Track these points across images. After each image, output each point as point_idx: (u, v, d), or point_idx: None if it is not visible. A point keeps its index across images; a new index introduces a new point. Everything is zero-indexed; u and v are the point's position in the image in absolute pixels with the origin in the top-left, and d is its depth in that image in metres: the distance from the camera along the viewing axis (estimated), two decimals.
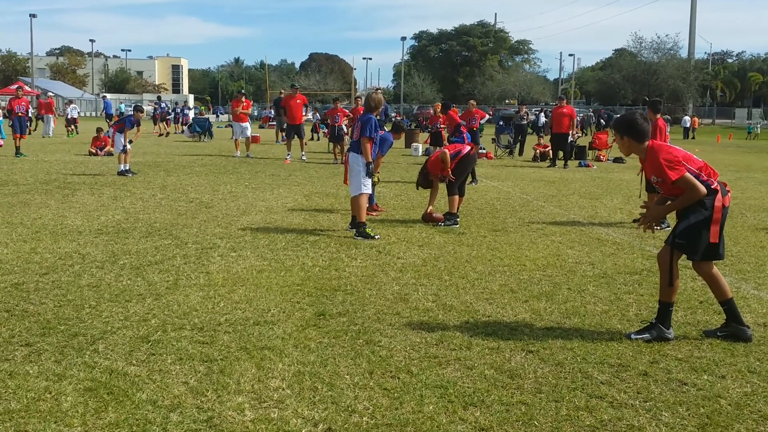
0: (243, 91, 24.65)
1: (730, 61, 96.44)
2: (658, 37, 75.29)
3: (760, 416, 3.77)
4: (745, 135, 50.61)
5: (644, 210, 5.29)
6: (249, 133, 22.14)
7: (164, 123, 38.80)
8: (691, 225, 4.89)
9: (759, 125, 52.66)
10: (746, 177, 18.54)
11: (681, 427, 3.64)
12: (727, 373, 4.38)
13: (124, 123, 15.78)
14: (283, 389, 4.04)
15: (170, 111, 43.05)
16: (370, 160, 8.69)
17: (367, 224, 8.78)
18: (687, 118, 53.31)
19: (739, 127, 65.79)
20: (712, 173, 5.00)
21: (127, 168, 15.39)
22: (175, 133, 38.21)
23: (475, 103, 21.38)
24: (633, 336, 5.02)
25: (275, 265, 7.08)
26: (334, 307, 5.67)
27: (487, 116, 23.61)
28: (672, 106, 67.14)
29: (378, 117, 8.97)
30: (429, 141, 22.78)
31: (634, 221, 10.34)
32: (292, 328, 5.11)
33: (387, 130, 11.44)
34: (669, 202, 5.12)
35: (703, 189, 4.82)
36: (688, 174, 4.83)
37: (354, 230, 8.73)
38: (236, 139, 21.90)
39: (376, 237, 8.53)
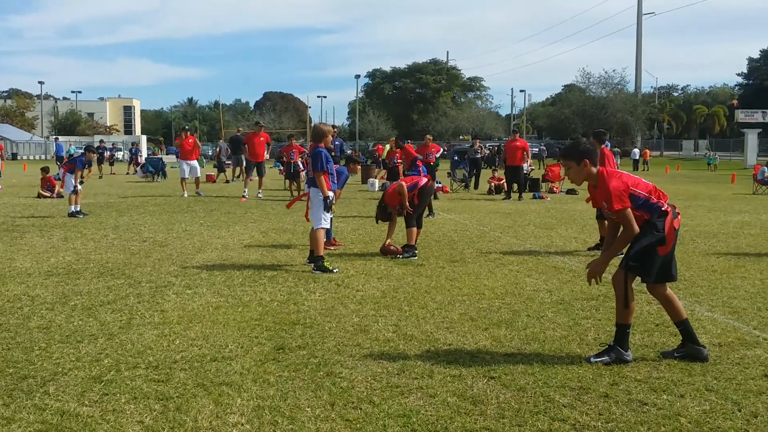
0: (187, 127, 24.47)
1: (675, 94, 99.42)
2: (606, 73, 77.19)
3: None
4: (696, 166, 51.84)
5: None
6: (198, 172, 21.91)
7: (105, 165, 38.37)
8: (644, 247, 4.96)
9: (717, 157, 53.70)
10: (695, 205, 18.95)
11: None
12: (685, 392, 4.42)
13: (75, 163, 15.54)
14: (243, 424, 3.95)
15: (107, 150, 42.51)
16: (327, 194, 8.65)
17: (325, 258, 8.73)
18: (636, 150, 54.59)
19: (687, 158, 67.54)
20: (662, 195, 5.09)
21: (78, 209, 15.10)
22: (127, 173, 37.75)
23: (431, 137, 21.59)
24: (593, 359, 5.04)
25: (232, 301, 6.97)
26: (294, 340, 5.60)
27: (442, 150, 23.83)
28: (621, 139, 68.65)
29: (328, 147, 8.95)
30: (386, 176, 22.88)
31: (589, 249, 10.48)
32: (250, 363, 5.01)
33: (342, 164, 11.48)
34: (608, 249, 5.17)
35: (636, 228, 4.91)
36: (629, 210, 4.91)
37: (312, 264, 8.66)
38: (183, 179, 21.60)
39: (335, 270, 8.48)
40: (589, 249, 10.45)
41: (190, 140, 21.90)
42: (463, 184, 25.64)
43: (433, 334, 5.78)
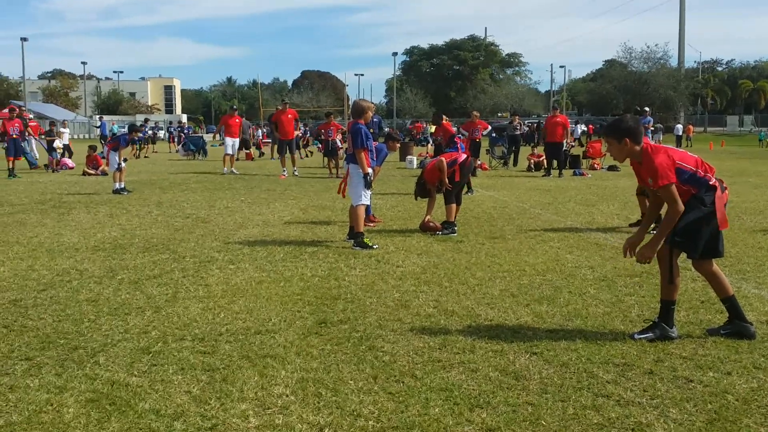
0: (235, 107, 24.70)
1: (719, 69, 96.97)
2: (648, 48, 75.60)
3: (767, 410, 3.75)
4: (742, 142, 50.61)
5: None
6: (231, 150, 21.97)
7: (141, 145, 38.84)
8: (690, 223, 4.88)
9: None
10: (741, 182, 18.57)
11: (689, 423, 3.61)
12: (732, 370, 4.36)
13: (119, 141, 15.78)
14: (287, 395, 4.01)
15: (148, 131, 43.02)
16: (368, 171, 8.67)
17: (365, 234, 8.76)
18: (679, 126, 53.52)
19: (731, 134, 66.16)
20: (708, 169, 5.00)
21: (122, 186, 15.36)
22: (170, 152, 38.21)
23: (478, 114, 21.48)
24: (637, 336, 4.99)
25: (274, 276, 7.05)
26: (335, 315, 5.64)
27: (490, 127, 23.65)
28: (664, 115, 67.45)
29: (367, 124, 8.94)
30: (432, 153, 22.84)
31: (630, 225, 10.35)
32: (293, 337, 5.07)
33: (381, 141, 11.49)
34: (655, 235, 5.04)
35: (681, 205, 4.81)
36: (674, 187, 4.80)
37: (352, 241, 8.70)
38: (227, 154, 21.83)
39: (374, 246, 8.50)
40: (630, 225, 10.33)
41: (236, 119, 22.19)
42: (502, 161, 25.45)
43: (474, 310, 5.78)
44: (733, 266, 7.49)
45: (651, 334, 4.97)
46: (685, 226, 4.89)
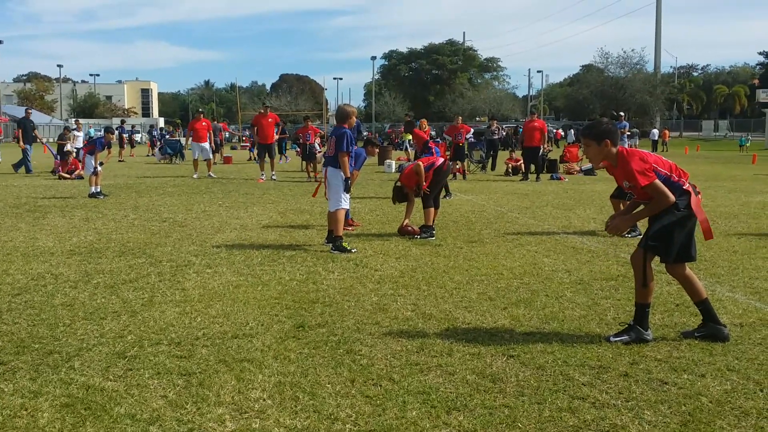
0: (201, 110, 24.53)
1: (695, 74, 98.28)
2: (624, 53, 76.33)
3: (741, 412, 3.79)
4: (717, 147, 51.18)
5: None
6: (209, 154, 21.99)
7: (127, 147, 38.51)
8: (664, 227, 4.93)
9: (750, 138, 52.22)
10: (715, 186, 18.79)
11: (664, 425, 3.65)
12: (706, 372, 4.41)
13: (95, 145, 15.66)
14: (264, 399, 4.00)
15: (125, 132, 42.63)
16: (349, 175, 8.67)
17: (344, 238, 8.76)
18: (655, 131, 54.10)
19: (707, 139, 66.92)
20: (682, 174, 5.06)
21: (98, 190, 15.22)
22: (147, 155, 37.94)
23: (461, 118, 21.59)
24: (612, 338, 5.03)
25: (252, 280, 7.02)
26: (313, 318, 5.63)
27: (473, 130, 23.80)
28: (640, 120, 68.13)
29: (350, 128, 8.94)
30: (409, 159, 22.95)
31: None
32: (271, 340, 5.06)
33: (360, 146, 11.48)
34: (637, 211, 5.15)
35: (671, 197, 4.86)
36: (658, 181, 4.87)
37: (330, 245, 8.69)
38: (195, 159, 21.78)
39: (353, 250, 8.50)
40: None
41: (203, 123, 22.07)
42: (480, 165, 25.56)
43: (452, 313, 5.80)
44: (707, 270, 7.57)
45: (626, 337, 5.01)
46: (658, 230, 4.94)
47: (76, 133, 27.00)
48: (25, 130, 23.92)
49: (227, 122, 41.84)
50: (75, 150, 25.56)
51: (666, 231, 4.93)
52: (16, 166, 23.67)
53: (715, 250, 8.73)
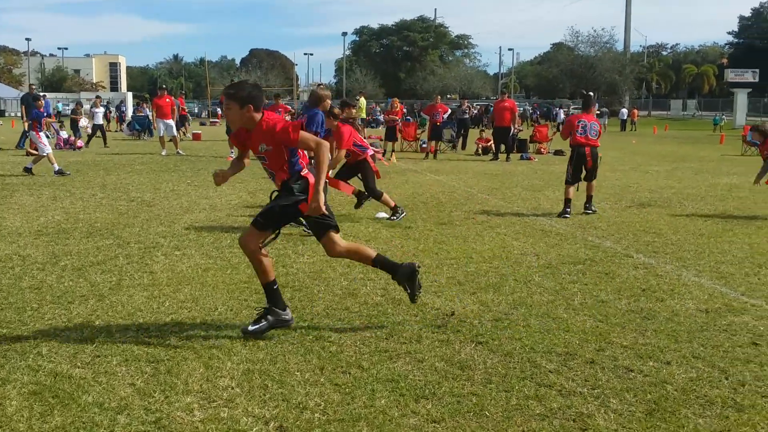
0: (164, 86, 24.18)
1: (664, 53, 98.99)
2: (595, 31, 76.58)
3: (705, 401, 3.86)
4: (685, 126, 51.61)
5: None
6: (174, 131, 21.74)
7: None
8: (282, 207, 4.82)
9: (724, 117, 52.40)
10: (684, 167, 19.02)
11: (629, 414, 3.70)
12: (672, 359, 4.48)
13: (38, 120, 15.43)
14: (233, 388, 3.99)
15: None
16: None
17: None
18: (624, 110, 54.47)
19: (675, 119, 67.58)
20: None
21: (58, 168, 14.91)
22: (115, 131, 37.41)
23: (439, 97, 21.56)
24: (250, 329, 4.80)
25: (221, 263, 6.98)
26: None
27: (450, 110, 23.79)
28: (609, 99, 68.57)
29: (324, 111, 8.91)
30: (383, 136, 22.91)
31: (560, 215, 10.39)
32: (240, 326, 5.04)
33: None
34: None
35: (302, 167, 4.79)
36: (307, 135, 4.70)
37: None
38: (161, 137, 21.53)
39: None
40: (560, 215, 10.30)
41: (166, 99, 21.78)
42: (450, 144, 25.58)
43: (421, 298, 5.80)
44: (673, 254, 7.68)
45: (264, 323, 4.81)
46: (269, 209, 4.83)
47: (95, 109, 26.58)
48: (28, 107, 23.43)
49: (183, 96, 41.17)
50: (90, 126, 25.27)
51: (276, 210, 4.81)
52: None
53: (682, 233, 8.85)
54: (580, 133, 10.37)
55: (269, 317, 4.86)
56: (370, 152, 9.79)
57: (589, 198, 10.52)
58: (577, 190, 10.34)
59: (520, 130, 25.66)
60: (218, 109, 41.84)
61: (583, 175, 10.46)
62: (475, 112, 42.66)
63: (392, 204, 9.66)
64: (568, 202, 10.25)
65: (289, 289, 6.02)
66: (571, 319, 5.29)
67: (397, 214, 9.60)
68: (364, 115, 30.88)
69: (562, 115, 47.85)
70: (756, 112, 58.73)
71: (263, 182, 13.99)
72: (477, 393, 3.93)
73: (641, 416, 3.67)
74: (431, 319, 5.25)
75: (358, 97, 30.45)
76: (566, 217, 10.00)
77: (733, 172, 17.79)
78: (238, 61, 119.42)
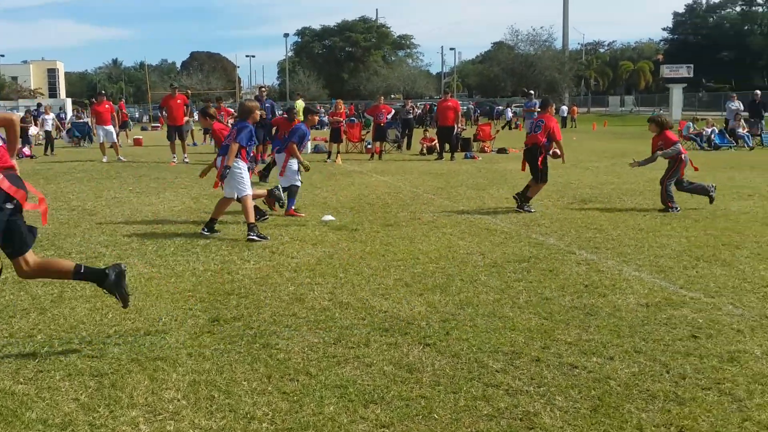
0: (103, 92, 23.74)
1: (601, 50, 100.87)
2: (534, 30, 77.68)
3: (648, 395, 3.95)
4: (623, 122, 52.67)
5: None
6: (114, 137, 21.36)
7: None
8: None
9: (662, 112, 53.51)
10: (622, 162, 19.35)
11: (574, 410, 3.77)
12: (615, 354, 4.57)
13: None
14: (179, 400, 3.93)
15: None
16: (230, 164, 8.49)
17: (257, 225, 8.69)
18: (564, 107, 55.31)
19: (613, 114, 68.93)
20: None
21: None
22: (55, 138, 36.47)
23: (383, 98, 21.59)
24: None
25: (165, 272, 6.87)
26: (229, 311, 5.56)
27: (393, 111, 23.88)
28: (549, 97, 69.63)
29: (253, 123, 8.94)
30: (327, 138, 22.84)
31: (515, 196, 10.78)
32: (185, 336, 4.97)
33: (301, 120, 11.61)
34: None
35: None
36: None
37: (207, 231, 8.73)
38: (101, 144, 21.12)
39: (266, 238, 8.44)
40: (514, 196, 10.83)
41: (105, 105, 21.37)
42: (395, 144, 25.64)
43: (369, 301, 5.83)
44: (614, 249, 7.83)
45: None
46: None
47: (45, 116, 26.22)
48: None
49: (123, 101, 40.49)
50: (43, 134, 24.76)
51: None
52: None
53: (622, 229, 9.03)
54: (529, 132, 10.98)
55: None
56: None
57: (527, 197, 10.78)
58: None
59: (463, 129, 25.87)
60: (159, 114, 41.17)
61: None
62: (419, 111, 42.93)
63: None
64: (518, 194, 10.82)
65: (235, 297, 5.96)
66: (517, 317, 5.36)
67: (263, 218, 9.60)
68: (302, 118, 30.80)
69: (510, 114, 48.54)
70: (691, 106, 60.21)
71: (207, 187, 13.82)
72: (425, 396, 3.95)
73: (586, 412, 3.74)
74: (379, 323, 5.26)
75: (296, 99, 30.43)
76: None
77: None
78: (178, 65, 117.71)
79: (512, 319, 5.31)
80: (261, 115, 18.89)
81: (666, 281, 6.44)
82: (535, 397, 3.93)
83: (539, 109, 13.05)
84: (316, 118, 12.04)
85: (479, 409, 3.78)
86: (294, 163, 10.39)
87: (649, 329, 5.08)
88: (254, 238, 8.36)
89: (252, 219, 8.55)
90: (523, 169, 11.05)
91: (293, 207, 10.44)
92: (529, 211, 10.42)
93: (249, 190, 8.68)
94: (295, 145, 10.31)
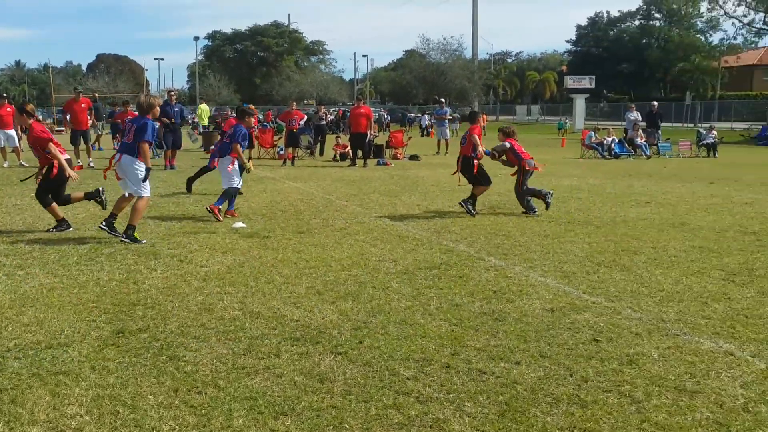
0: (5, 95, 22.77)
1: (509, 61, 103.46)
2: (444, 39, 78.97)
3: (552, 399, 4.06)
4: (530, 130, 53.97)
5: None
6: (16, 141, 20.50)
7: None
8: None
9: (568, 122, 54.71)
10: None
11: (483, 416, 3.83)
12: (521, 359, 4.68)
13: None
14: (82, 416, 3.80)
15: None
16: (150, 165, 8.68)
17: (137, 227, 8.70)
18: None
19: (520, 123, 70.60)
20: None
21: None
22: None
23: (295, 104, 21.44)
24: None
25: (67, 282, 6.63)
26: (134, 323, 5.41)
27: (306, 117, 23.75)
28: (459, 105, 70.84)
29: (168, 115, 8.99)
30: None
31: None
32: (88, 350, 4.81)
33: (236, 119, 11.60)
34: None
35: None
36: None
37: (105, 228, 8.68)
38: (2, 148, 20.25)
39: (143, 242, 8.46)
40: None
41: (7, 108, 20.49)
42: (308, 151, 25.55)
43: (280, 310, 5.78)
44: (521, 255, 8.02)
45: None
46: None
47: None
48: None
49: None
50: None
51: None
52: None
53: (529, 235, 9.26)
54: (463, 143, 11.52)
55: None
56: (66, 156, 9.74)
57: (474, 198, 11.24)
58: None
59: (376, 136, 25.99)
60: (63, 118, 39.76)
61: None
62: (332, 118, 42.95)
63: (60, 216, 9.57)
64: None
65: (141, 307, 5.81)
66: (428, 324, 5.42)
67: (61, 227, 9.42)
68: (205, 122, 30.28)
69: (426, 121, 48.99)
70: (593, 116, 62.31)
71: (112, 193, 13.43)
72: (337, 405, 3.94)
73: (494, 418, 3.81)
74: (290, 332, 5.22)
75: (200, 103, 29.98)
76: (534, 214, 11.06)
77: (573, 174, 18.83)
78: (84, 67, 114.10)
79: (423, 326, 5.36)
80: (170, 120, 18.63)
81: (570, 286, 6.64)
82: (445, 403, 3.98)
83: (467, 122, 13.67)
84: (254, 119, 12.02)
85: (390, 418, 3.80)
86: (236, 164, 10.56)
87: (554, 334, 5.22)
88: (126, 240, 8.42)
89: (136, 221, 8.61)
90: (459, 182, 11.67)
91: (233, 209, 10.66)
92: (472, 215, 10.84)
93: (145, 193, 8.67)
94: (239, 146, 10.56)
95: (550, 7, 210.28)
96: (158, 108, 9.07)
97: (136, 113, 9.22)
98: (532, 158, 11.70)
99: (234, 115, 20.07)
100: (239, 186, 10.88)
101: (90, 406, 3.92)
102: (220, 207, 10.40)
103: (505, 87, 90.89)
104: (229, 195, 10.57)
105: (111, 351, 4.79)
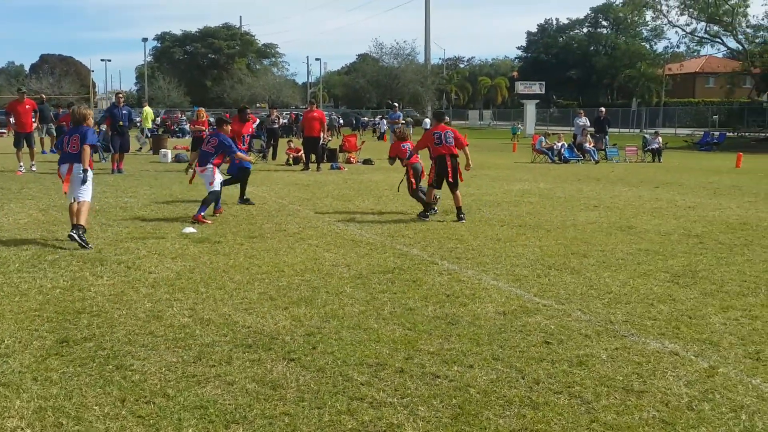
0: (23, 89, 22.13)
1: (462, 66, 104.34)
2: (397, 43, 79.29)
3: (505, 401, 4.06)
4: (482, 135, 54.46)
5: None
6: None
7: None
8: None
9: (521, 127, 55.10)
10: (481, 174, 20.02)
11: (436, 420, 3.81)
12: (474, 363, 4.67)
13: None
14: (23, 428, 3.67)
15: None
16: (87, 167, 8.60)
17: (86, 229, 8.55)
18: (427, 120, 56.54)
19: (473, 128, 71.28)
20: None
21: None
22: None
23: (248, 108, 21.20)
24: None
25: (8, 290, 6.42)
26: (79, 331, 5.25)
27: (258, 120, 23.55)
28: (413, 109, 71.17)
29: (114, 118, 8.99)
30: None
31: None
32: (30, 360, 4.65)
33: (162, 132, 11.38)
34: None
35: None
36: None
37: (75, 234, 8.40)
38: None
39: (90, 246, 8.33)
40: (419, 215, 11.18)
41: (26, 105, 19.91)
42: (260, 155, 25.33)
43: (232, 317, 5.68)
44: (474, 258, 8.04)
45: None
46: None
47: None
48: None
49: None
50: None
51: None
52: None
53: (481, 239, 9.30)
54: (437, 144, 11.21)
55: None
56: None
57: (458, 209, 11.12)
58: (438, 198, 11.55)
59: (329, 140, 25.89)
60: (6, 120, 38.75)
61: (444, 185, 11.28)
62: (285, 121, 42.64)
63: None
64: (429, 204, 11.32)
65: (86, 315, 5.65)
66: (382, 329, 5.38)
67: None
68: (149, 125, 29.84)
69: (385, 126, 49.04)
70: (543, 122, 63.23)
71: (56, 198, 13.12)
72: (289, 413, 3.88)
73: (447, 421, 3.79)
74: (242, 339, 5.13)
75: (144, 106, 29.62)
76: (425, 219, 11.04)
77: (524, 178, 18.99)
78: (27, 67, 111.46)
79: (377, 331, 5.32)
80: (118, 123, 18.28)
81: (521, 289, 6.67)
82: (399, 408, 3.94)
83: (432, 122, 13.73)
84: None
85: (344, 424, 3.75)
86: (217, 171, 10.76)
87: (506, 336, 5.23)
88: (74, 236, 8.30)
89: (83, 221, 8.51)
90: (399, 190, 12.01)
91: (202, 213, 10.51)
92: (430, 214, 11.11)
93: (89, 197, 8.71)
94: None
95: (501, 14, 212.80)
96: (92, 118, 9.14)
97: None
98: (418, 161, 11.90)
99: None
100: (219, 190, 10.88)
101: (32, 418, 3.79)
102: (203, 214, 10.40)
103: (457, 92, 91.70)
104: (209, 202, 10.56)
105: (54, 361, 4.64)
